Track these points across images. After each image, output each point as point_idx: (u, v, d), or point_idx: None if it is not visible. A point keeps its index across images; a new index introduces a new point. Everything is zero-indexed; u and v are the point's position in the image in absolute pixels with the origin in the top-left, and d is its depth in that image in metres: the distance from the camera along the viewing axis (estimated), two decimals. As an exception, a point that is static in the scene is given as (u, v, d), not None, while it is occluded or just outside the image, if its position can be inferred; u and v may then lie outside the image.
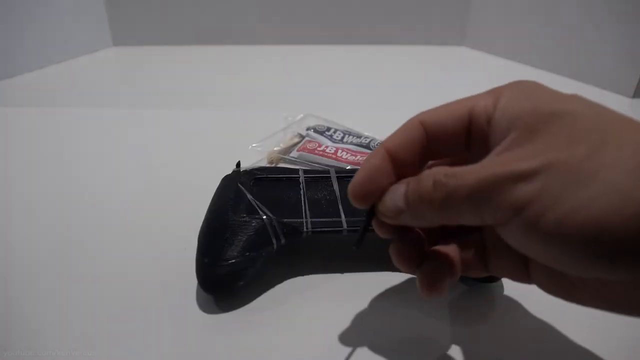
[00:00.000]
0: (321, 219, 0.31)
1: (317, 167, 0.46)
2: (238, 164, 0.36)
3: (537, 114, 0.18)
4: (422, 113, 0.22)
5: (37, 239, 0.36)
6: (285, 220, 0.30)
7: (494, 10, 1.01)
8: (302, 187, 0.34)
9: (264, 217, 0.29)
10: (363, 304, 0.29)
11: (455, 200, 0.18)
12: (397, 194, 0.21)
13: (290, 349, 0.26)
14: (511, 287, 0.30)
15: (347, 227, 0.30)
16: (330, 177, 0.36)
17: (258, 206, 0.30)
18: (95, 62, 1.03)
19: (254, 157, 0.48)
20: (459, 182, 0.18)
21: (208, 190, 0.33)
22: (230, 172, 0.36)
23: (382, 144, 0.22)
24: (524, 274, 0.22)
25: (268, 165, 0.47)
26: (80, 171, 0.48)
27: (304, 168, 0.38)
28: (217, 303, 0.29)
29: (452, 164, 0.20)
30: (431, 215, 0.19)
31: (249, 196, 0.31)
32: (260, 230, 0.28)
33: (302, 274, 0.31)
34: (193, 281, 0.29)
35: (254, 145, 0.51)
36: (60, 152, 0.53)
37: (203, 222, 0.30)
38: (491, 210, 0.18)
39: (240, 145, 0.51)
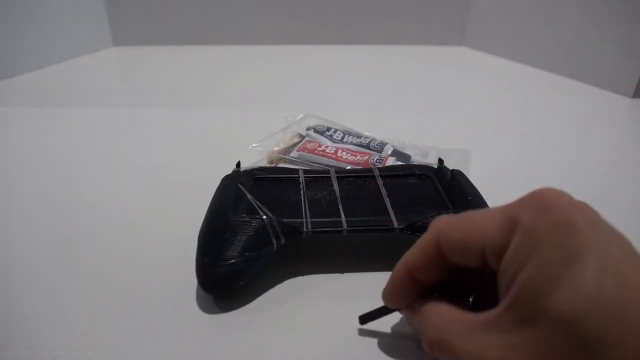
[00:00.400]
0: (321, 219, 0.31)
1: (317, 167, 0.46)
2: (238, 164, 0.36)
3: (533, 300, 0.17)
4: (440, 228, 0.22)
5: (37, 239, 0.36)
6: (285, 220, 0.29)
7: (494, 10, 1.01)
8: (302, 187, 0.34)
9: (264, 217, 0.29)
10: (363, 304, 0.29)
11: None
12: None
13: (290, 349, 0.26)
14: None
15: (347, 227, 0.30)
16: (330, 177, 0.36)
17: (258, 206, 0.30)
18: (95, 62, 1.03)
19: (254, 157, 0.48)
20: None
21: (208, 190, 0.33)
22: (230, 172, 0.36)
23: (403, 262, 0.23)
24: None
25: (268, 165, 0.47)
26: (80, 171, 0.48)
27: (304, 168, 0.38)
28: (217, 303, 0.29)
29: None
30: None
31: (249, 196, 0.31)
32: (260, 230, 0.28)
33: (302, 274, 0.31)
34: (193, 281, 0.29)
35: (254, 145, 0.51)
36: (60, 152, 0.53)
37: (203, 222, 0.30)
38: None
39: (240, 145, 0.51)
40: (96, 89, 0.83)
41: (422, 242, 0.23)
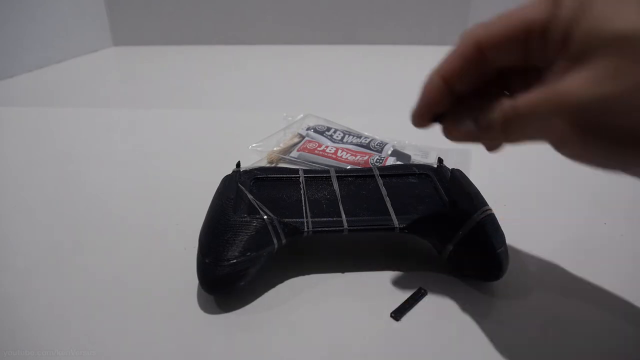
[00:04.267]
0: (322, 219, 0.31)
1: (317, 167, 0.46)
2: (238, 164, 0.36)
3: (592, 41, 0.18)
4: (477, 29, 0.22)
5: (36, 239, 0.36)
6: (286, 220, 0.29)
7: (494, 10, 1.01)
8: (302, 187, 0.34)
9: (265, 217, 0.29)
10: (363, 303, 0.29)
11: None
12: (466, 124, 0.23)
13: (290, 349, 0.26)
14: (512, 285, 0.30)
15: (348, 226, 0.30)
16: (330, 177, 0.36)
17: (258, 206, 0.30)
18: (95, 62, 1.03)
19: (254, 157, 0.48)
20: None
21: (208, 190, 0.33)
22: (230, 172, 0.36)
23: (437, 70, 0.23)
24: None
25: (268, 165, 0.47)
26: (80, 171, 0.48)
27: (303, 168, 0.38)
28: (217, 303, 0.29)
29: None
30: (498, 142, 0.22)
31: (249, 196, 0.31)
32: (261, 230, 0.28)
33: (302, 274, 0.31)
34: (194, 281, 0.29)
35: (254, 145, 0.51)
36: (60, 152, 0.53)
37: (204, 222, 0.30)
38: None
39: (240, 145, 0.51)
40: (96, 89, 0.83)
41: (459, 48, 0.22)
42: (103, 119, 0.64)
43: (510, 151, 0.49)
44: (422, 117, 0.24)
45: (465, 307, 0.28)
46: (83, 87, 0.84)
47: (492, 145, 0.23)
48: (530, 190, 0.41)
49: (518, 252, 0.33)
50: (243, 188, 0.32)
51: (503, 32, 0.21)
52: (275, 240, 0.29)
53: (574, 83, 0.18)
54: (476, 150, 0.49)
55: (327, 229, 0.30)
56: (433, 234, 0.30)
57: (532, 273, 0.31)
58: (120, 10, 1.15)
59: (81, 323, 0.27)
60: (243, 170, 0.36)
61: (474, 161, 0.46)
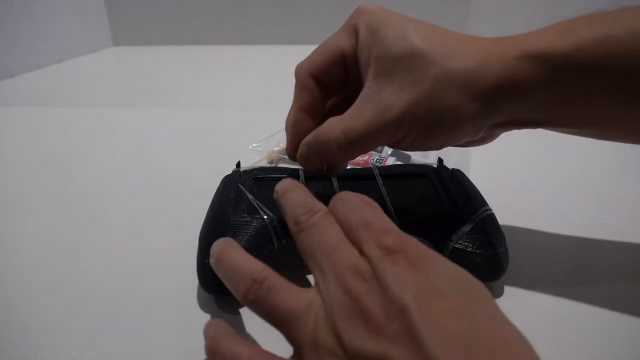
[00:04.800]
0: None
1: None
2: (238, 164, 0.36)
3: (387, 62, 0.24)
4: (305, 64, 0.28)
5: (36, 239, 0.36)
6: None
7: (494, 10, 1.01)
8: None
9: (265, 217, 0.29)
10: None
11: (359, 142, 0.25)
12: (312, 155, 0.27)
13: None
14: (511, 285, 0.30)
15: None
16: (330, 177, 0.35)
17: (259, 206, 0.30)
18: (95, 62, 1.03)
19: (254, 157, 0.48)
20: (352, 135, 0.25)
21: (208, 190, 0.33)
22: (230, 172, 0.36)
23: (294, 107, 0.28)
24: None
25: (268, 165, 0.47)
26: (79, 171, 0.48)
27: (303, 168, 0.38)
28: (217, 303, 0.29)
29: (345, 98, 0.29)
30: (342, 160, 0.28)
31: (249, 196, 0.31)
32: (261, 231, 0.28)
33: (302, 274, 0.31)
34: (193, 281, 0.29)
35: (254, 145, 0.51)
36: (60, 152, 0.53)
37: (204, 222, 0.30)
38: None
39: (240, 145, 0.51)
40: (96, 89, 0.83)
41: (298, 82, 0.28)
42: (103, 119, 0.64)
43: (510, 151, 0.49)
44: (295, 148, 0.28)
45: None
46: (83, 87, 0.84)
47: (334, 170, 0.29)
48: (530, 190, 0.41)
49: (518, 253, 0.33)
50: (243, 188, 0.32)
51: (323, 59, 0.27)
52: (275, 240, 0.29)
53: (392, 100, 0.24)
54: (476, 150, 0.49)
55: None
56: (433, 234, 0.30)
57: (532, 273, 0.31)
58: (120, 10, 1.15)
59: (81, 323, 0.27)
60: (243, 170, 0.36)
61: (473, 161, 0.46)
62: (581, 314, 0.27)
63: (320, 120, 0.28)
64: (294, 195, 0.23)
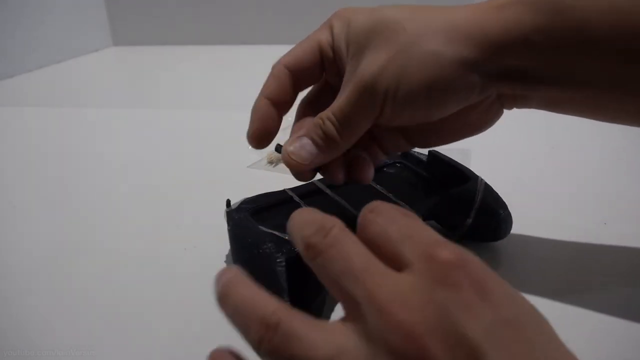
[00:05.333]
0: (349, 226, 0.28)
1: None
2: (228, 203, 0.32)
3: (360, 38, 0.25)
4: (283, 58, 0.28)
5: (36, 239, 0.36)
6: None
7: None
8: (303, 206, 0.32)
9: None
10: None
11: (345, 127, 0.25)
12: (306, 145, 0.26)
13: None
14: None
15: None
16: (321, 189, 0.34)
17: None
18: (95, 62, 1.03)
19: (254, 157, 0.48)
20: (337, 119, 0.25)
21: (208, 190, 0.33)
22: (229, 174, 0.35)
23: (261, 94, 0.28)
24: (407, 144, 0.29)
25: (265, 169, 0.46)
26: (79, 171, 0.48)
27: (287, 188, 0.34)
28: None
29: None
30: (344, 144, 0.26)
31: (277, 233, 0.28)
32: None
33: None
34: (193, 281, 0.29)
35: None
36: (60, 152, 0.53)
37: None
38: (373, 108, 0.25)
39: (240, 145, 0.51)
40: (96, 89, 0.83)
41: (273, 72, 0.28)
42: (103, 119, 0.64)
43: (510, 151, 0.49)
44: (260, 139, 0.28)
45: None
46: (83, 87, 0.84)
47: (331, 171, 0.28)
48: (530, 190, 0.41)
49: (517, 252, 0.33)
50: (264, 228, 0.29)
51: (300, 52, 0.28)
52: None
53: (365, 67, 0.24)
54: (476, 150, 0.49)
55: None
56: (449, 216, 0.32)
57: (531, 273, 0.31)
58: (120, 10, 1.15)
59: (81, 323, 0.27)
60: (236, 208, 0.31)
61: (473, 161, 0.46)
62: (580, 314, 0.27)
63: (284, 111, 0.28)
64: (299, 217, 0.20)
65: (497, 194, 0.32)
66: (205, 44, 1.14)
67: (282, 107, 0.28)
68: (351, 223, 0.29)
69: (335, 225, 0.18)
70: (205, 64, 1.00)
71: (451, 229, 0.33)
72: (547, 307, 0.28)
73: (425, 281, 0.14)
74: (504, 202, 0.32)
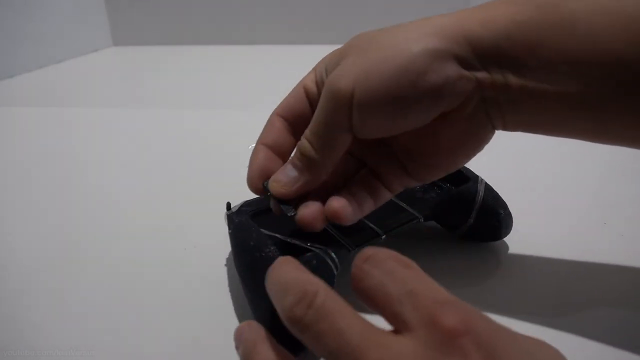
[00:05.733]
0: (355, 235, 0.28)
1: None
2: (228, 206, 0.32)
3: (334, 60, 0.25)
4: (277, 108, 0.29)
5: (37, 239, 0.36)
6: (329, 249, 0.27)
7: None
8: None
9: (318, 250, 0.26)
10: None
11: (324, 140, 0.24)
12: (287, 169, 0.26)
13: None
14: (510, 285, 0.30)
15: (384, 231, 0.29)
16: None
17: (302, 242, 0.27)
18: (95, 62, 1.03)
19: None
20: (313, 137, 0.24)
21: (208, 190, 0.33)
22: (229, 173, 0.35)
23: (258, 142, 0.29)
24: (411, 179, 0.27)
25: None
26: (79, 171, 0.48)
27: None
28: (218, 303, 0.29)
29: None
30: (322, 161, 0.25)
31: (280, 237, 0.28)
32: (322, 266, 0.25)
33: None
34: (193, 281, 0.29)
35: (253, 145, 0.51)
36: (60, 152, 0.53)
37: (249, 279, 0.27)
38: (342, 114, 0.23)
39: (240, 145, 0.51)
40: (96, 89, 0.83)
41: (269, 121, 0.29)
42: (103, 119, 0.64)
43: (510, 151, 0.49)
44: (259, 185, 0.27)
45: (469, 267, 0.30)
46: (83, 87, 0.84)
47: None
48: (529, 190, 0.41)
49: (518, 251, 0.33)
50: (267, 232, 0.28)
51: (291, 99, 0.28)
52: (335, 272, 0.26)
53: (331, 75, 0.23)
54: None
55: (367, 242, 0.28)
56: (450, 217, 0.32)
57: (531, 273, 0.31)
58: (120, 10, 1.15)
59: (81, 323, 0.27)
60: (236, 211, 0.31)
61: (473, 161, 0.46)
62: (580, 314, 0.27)
63: (285, 156, 0.28)
64: (276, 279, 0.18)
65: (497, 193, 0.32)
66: (206, 44, 1.14)
67: (282, 153, 0.28)
68: (362, 228, 0.29)
69: (318, 290, 0.16)
70: (205, 64, 1.00)
71: (451, 229, 0.33)
72: (547, 308, 0.28)
73: (430, 351, 0.14)
74: (504, 202, 0.32)
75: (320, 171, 0.25)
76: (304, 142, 0.25)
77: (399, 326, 0.15)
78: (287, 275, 0.17)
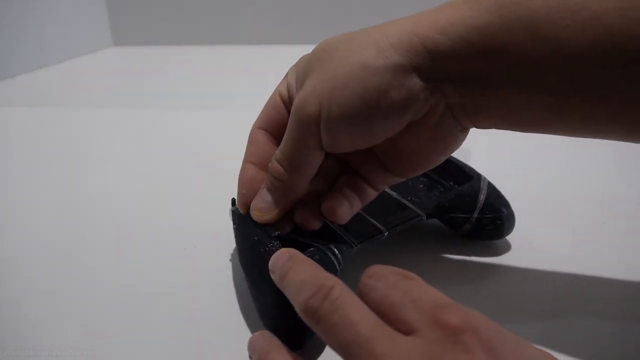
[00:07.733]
0: (357, 232, 0.28)
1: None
2: (233, 202, 0.31)
3: (303, 71, 0.25)
4: (255, 122, 0.29)
5: (36, 239, 0.36)
6: (331, 244, 0.27)
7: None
8: None
9: (321, 246, 0.26)
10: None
11: (295, 161, 0.24)
12: (263, 194, 0.26)
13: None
14: (510, 285, 0.30)
15: (386, 229, 0.29)
16: None
17: (305, 238, 0.27)
18: (95, 62, 1.03)
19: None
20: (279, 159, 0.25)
21: (208, 190, 0.33)
22: (230, 174, 0.35)
23: (244, 160, 0.28)
24: (392, 177, 0.27)
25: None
26: (80, 171, 0.48)
27: None
28: (217, 304, 0.29)
29: None
30: (295, 182, 0.25)
31: (292, 236, 0.28)
32: (323, 262, 0.25)
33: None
34: (193, 282, 0.29)
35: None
36: (60, 152, 0.53)
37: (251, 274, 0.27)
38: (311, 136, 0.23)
39: (241, 145, 0.51)
40: (96, 89, 0.83)
41: (251, 137, 0.29)
42: (103, 119, 0.64)
43: (510, 152, 0.49)
44: (248, 204, 0.27)
45: (470, 266, 0.30)
46: (83, 87, 0.84)
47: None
48: (529, 190, 0.41)
49: (520, 250, 0.33)
50: (270, 226, 0.28)
51: (267, 109, 0.28)
52: (338, 268, 0.26)
53: (298, 95, 0.24)
54: (476, 150, 0.49)
55: (370, 238, 0.28)
56: (453, 215, 0.32)
57: (532, 271, 0.31)
58: (120, 10, 1.15)
59: (81, 323, 0.27)
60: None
61: (473, 161, 0.46)
62: (580, 314, 0.27)
63: None
64: (294, 274, 0.19)
65: (499, 192, 0.32)
66: (206, 44, 1.14)
67: (266, 168, 0.27)
68: (365, 226, 0.29)
69: (334, 285, 0.17)
70: (205, 64, 1.00)
71: (454, 227, 0.33)
72: (547, 307, 0.28)
73: (436, 347, 0.14)
74: (507, 201, 0.32)
75: (295, 190, 0.26)
76: (274, 164, 0.25)
77: (405, 329, 0.16)
78: (306, 272, 0.19)
